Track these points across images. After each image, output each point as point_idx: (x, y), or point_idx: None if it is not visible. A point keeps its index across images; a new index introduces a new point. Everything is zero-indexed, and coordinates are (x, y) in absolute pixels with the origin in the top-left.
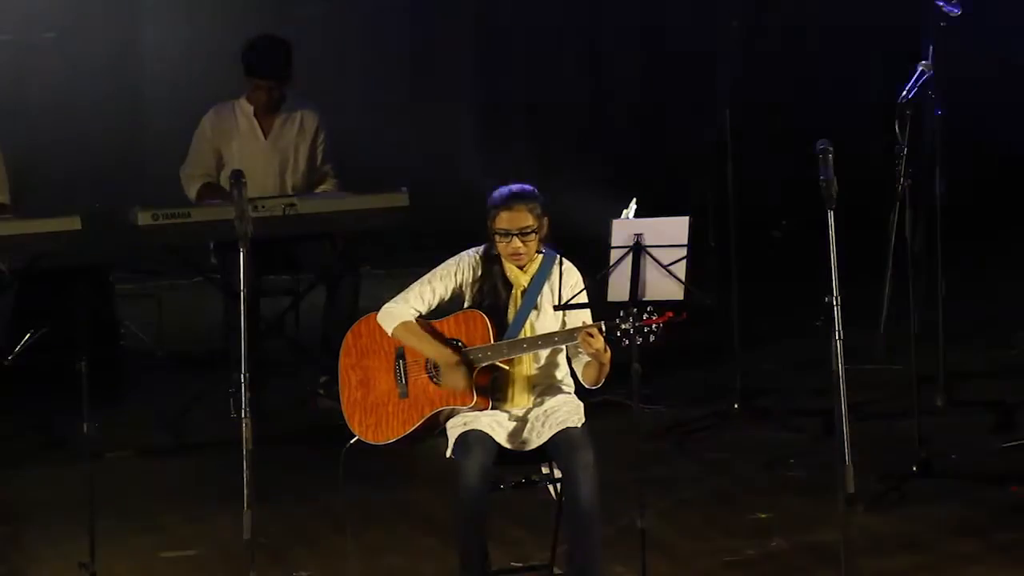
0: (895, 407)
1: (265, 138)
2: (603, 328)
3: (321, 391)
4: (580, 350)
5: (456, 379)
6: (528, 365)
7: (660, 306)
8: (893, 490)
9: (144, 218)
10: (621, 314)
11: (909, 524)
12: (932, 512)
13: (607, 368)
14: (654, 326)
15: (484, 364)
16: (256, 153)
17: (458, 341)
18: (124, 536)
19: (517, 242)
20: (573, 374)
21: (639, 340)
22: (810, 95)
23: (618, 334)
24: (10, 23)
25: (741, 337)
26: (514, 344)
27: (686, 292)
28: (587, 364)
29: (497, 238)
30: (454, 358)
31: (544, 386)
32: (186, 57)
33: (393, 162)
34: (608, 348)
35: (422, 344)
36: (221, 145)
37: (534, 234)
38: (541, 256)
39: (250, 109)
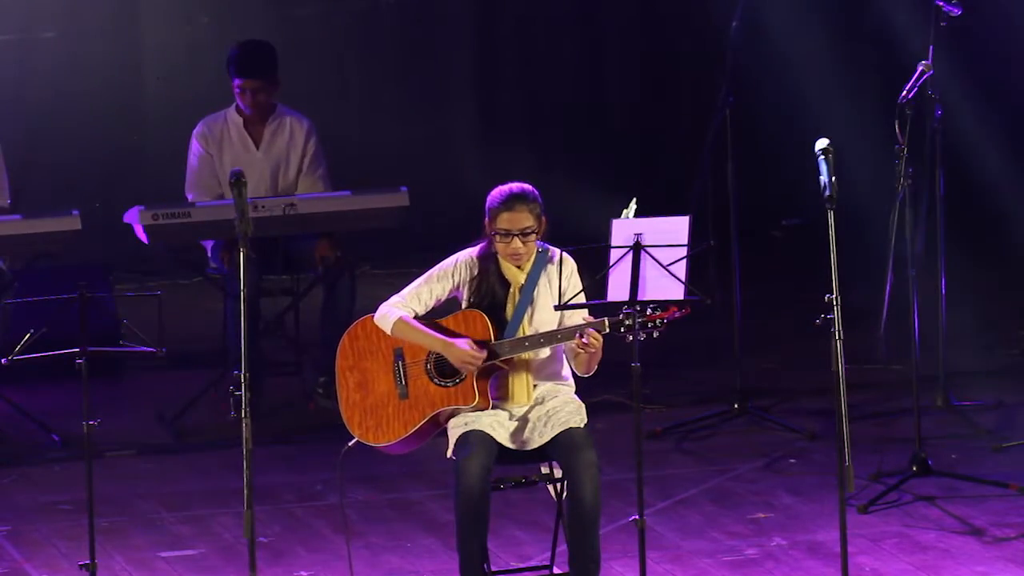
0: (895, 407)
1: (257, 148)
2: (607, 324)
3: (320, 390)
4: (578, 349)
5: (466, 359)
6: (528, 363)
7: (660, 303)
8: (893, 490)
9: (144, 218)
10: (625, 310)
11: (909, 524)
12: (932, 512)
13: (599, 356)
14: (658, 321)
15: (484, 364)
16: (249, 163)
17: None
18: (124, 536)
19: (517, 242)
20: (574, 372)
21: (643, 336)
22: (812, 94)
23: (622, 330)
24: (10, 23)
25: (741, 337)
26: (516, 342)
27: (686, 291)
28: (578, 355)
29: (497, 238)
30: (457, 341)
31: (545, 384)
32: (186, 57)
33: (393, 162)
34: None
35: (423, 338)
36: (213, 155)
37: (534, 234)
38: (535, 252)
39: (240, 120)
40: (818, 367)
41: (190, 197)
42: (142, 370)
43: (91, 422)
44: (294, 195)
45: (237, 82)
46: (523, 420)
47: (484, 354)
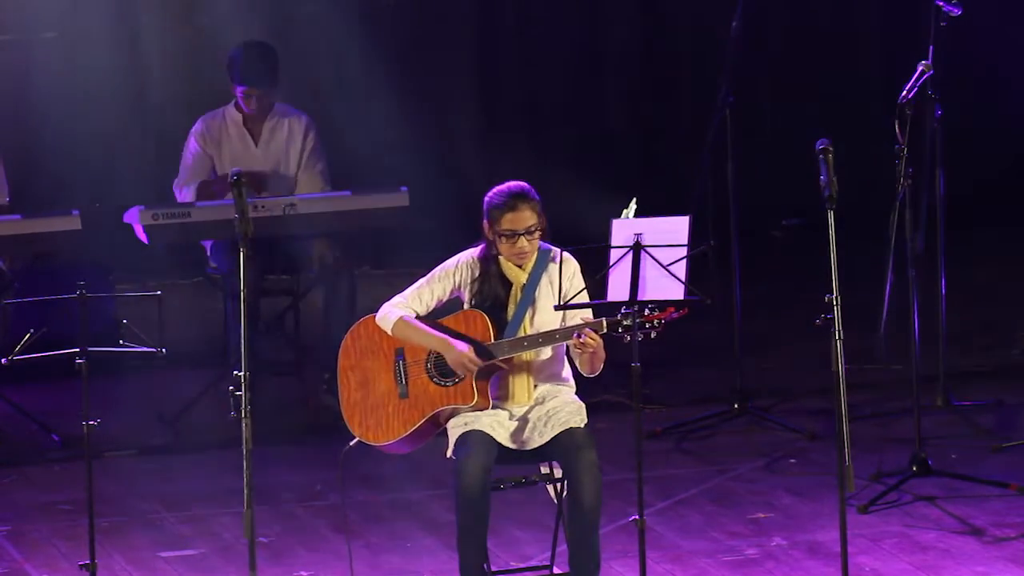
0: (895, 407)
1: (256, 145)
2: (605, 325)
3: (325, 386)
4: (576, 349)
5: (463, 363)
6: (529, 363)
7: (660, 303)
8: (893, 490)
9: (144, 218)
10: (623, 310)
11: (909, 524)
12: (932, 512)
13: (602, 354)
14: (655, 322)
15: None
16: (248, 161)
17: None
18: (124, 536)
19: (523, 241)
20: (576, 372)
21: (640, 336)
22: (812, 94)
23: (620, 330)
24: (10, 23)
25: (741, 337)
26: (515, 342)
27: (686, 292)
28: (579, 355)
29: (502, 239)
30: (456, 343)
31: (546, 384)
32: (186, 57)
33: (393, 162)
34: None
35: (423, 337)
36: (212, 154)
37: (538, 231)
38: (537, 252)
39: (239, 117)
40: (818, 367)
41: (178, 194)
42: (142, 370)
43: (91, 422)
44: (294, 195)
45: (240, 88)
46: (523, 420)
47: (481, 361)
